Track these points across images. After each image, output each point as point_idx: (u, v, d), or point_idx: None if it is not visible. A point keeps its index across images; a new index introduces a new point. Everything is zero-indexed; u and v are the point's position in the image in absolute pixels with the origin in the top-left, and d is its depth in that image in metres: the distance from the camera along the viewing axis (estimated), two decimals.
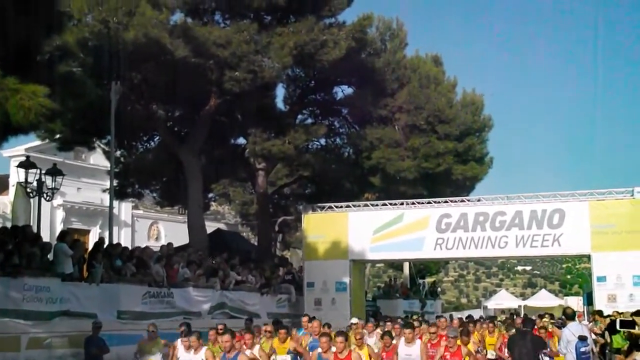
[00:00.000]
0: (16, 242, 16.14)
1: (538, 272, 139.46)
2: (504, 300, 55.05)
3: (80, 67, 21.64)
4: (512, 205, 24.38)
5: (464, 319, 20.58)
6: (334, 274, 25.41)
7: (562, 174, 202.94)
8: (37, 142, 33.76)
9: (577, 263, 68.24)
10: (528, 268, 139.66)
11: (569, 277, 76.04)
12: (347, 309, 24.67)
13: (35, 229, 19.83)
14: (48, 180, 21.69)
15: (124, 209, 44.06)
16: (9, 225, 22.72)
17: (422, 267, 42.80)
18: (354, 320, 18.52)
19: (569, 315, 13.82)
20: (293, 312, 25.69)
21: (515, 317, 24.90)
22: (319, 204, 26.88)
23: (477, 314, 39.38)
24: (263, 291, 24.70)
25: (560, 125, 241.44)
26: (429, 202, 25.58)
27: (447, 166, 30.56)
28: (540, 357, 12.94)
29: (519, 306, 51.21)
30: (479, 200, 25.87)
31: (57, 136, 26.11)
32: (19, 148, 34.55)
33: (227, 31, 23.95)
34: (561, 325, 16.42)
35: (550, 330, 17.10)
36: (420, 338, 14.09)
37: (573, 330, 13.22)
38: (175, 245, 28.08)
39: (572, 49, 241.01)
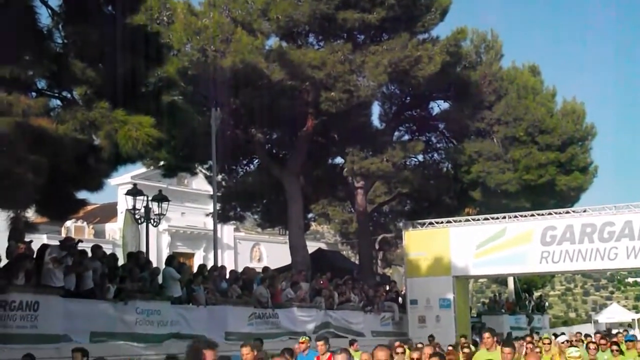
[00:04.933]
0: (128, 267, 16.72)
1: None
2: (616, 313, 52.98)
3: (181, 96, 22.33)
4: (621, 215, 23.50)
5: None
6: (437, 290, 25.08)
7: None
8: (142, 170, 34.98)
9: None
10: None
11: None
12: (452, 326, 24.31)
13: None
14: (154, 207, 22.36)
15: (226, 232, 44.97)
16: (118, 250, 23.57)
17: (530, 282, 41.82)
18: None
19: None
20: (397, 330, 25.51)
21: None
22: (419, 221, 26.67)
23: (587, 328, 38.14)
24: (367, 310, 24.63)
25: None
26: (532, 215, 24.99)
27: (550, 177, 29.87)
28: None
29: (633, 320, 49.18)
30: (584, 211, 25.04)
31: (162, 163, 27.00)
32: (125, 176, 35.80)
33: (321, 52, 24.20)
34: None
35: None
36: None
37: None
38: (278, 265, 28.48)
39: None
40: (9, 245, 14.45)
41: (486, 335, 11.29)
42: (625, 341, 16.77)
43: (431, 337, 20.51)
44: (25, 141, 11.43)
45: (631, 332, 25.27)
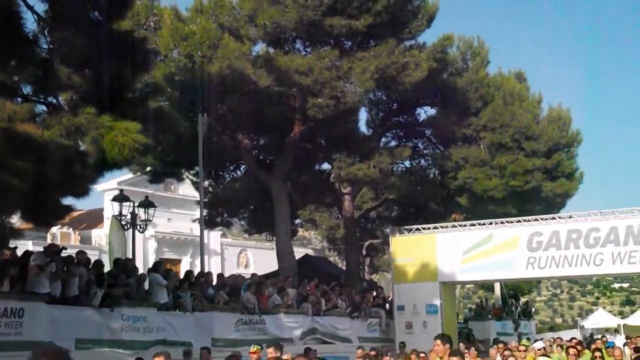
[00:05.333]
0: (114, 274, 16.64)
1: (636, 289, 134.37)
2: (601, 319, 53.13)
3: (168, 102, 22.29)
4: (607, 221, 23.62)
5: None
6: (424, 296, 25.12)
7: None
8: (129, 176, 34.88)
9: None
10: (625, 285, 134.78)
11: None
12: (439, 332, 24.15)
13: None
14: (141, 212, 22.28)
15: (213, 238, 44.86)
16: (104, 257, 23.45)
17: (516, 288, 41.93)
18: None
19: None
20: (384, 336, 25.52)
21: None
22: (406, 227, 26.70)
23: (573, 334, 38.23)
24: (353, 316, 24.63)
25: None
26: (518, 221, 25.09)
27: (536, 183, 30.00)
28: None
29: (619, 325, 49.34)
30: (570, 217, 25.19)
31: (148, 169, 26.93)
32: (111, 182, 35.68)
33: (308, 59, 24.23)
34: None
35: None
36: None
37: None
38: (265, 272, 28.43)
39: None
40: None
41: (437, 342, 10.48)
42: (606, 347, 16.80)
43: (402, 344, 20.49)
44: (11, 147, 11.36)
45: (611, 338, 25.27)
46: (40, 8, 12.51)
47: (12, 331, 13.08)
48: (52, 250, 15.23)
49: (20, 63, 12.41)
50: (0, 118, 11.42)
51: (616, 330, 46.10)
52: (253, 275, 23.63)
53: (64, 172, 13.33)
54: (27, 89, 13.79)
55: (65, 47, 12.66)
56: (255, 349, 13.08)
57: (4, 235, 14.16)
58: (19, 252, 15.04)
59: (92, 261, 17.03)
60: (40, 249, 16.20)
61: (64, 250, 15.80)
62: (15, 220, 15.38)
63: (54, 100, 13.93)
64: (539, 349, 15.32)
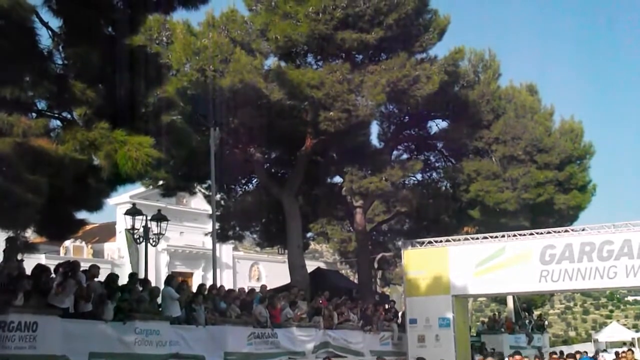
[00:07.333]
0: (129, 287, 16.68)
1: None
2: (616, 332, 52.79)
3: (180, 116, 22.41)
4: (620, 233, 23.45)
5: None
6: (437, 309, 25.00)
7: None
8: (141, 189, 34.98)
9: None
10: (639, 298, 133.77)
11: None
12: (451, 346, 24.21)
13: (142, 274, 20.49)
14: (153, 226, 22.36)
15: (225, 251, 44.80)
16: (116, 270, 23.51)
17: (529, 301, 41.74)
18: None
19: None
20: (396, 349, 25.43)
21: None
22: (418, 240, 26.63)
23: (587, 347, 37.97)
24: (366, 329, 24.56)
25: None
26: (531, 234, 24.95)
27: (549, 196, 29.96)
28: None
29: (633, 339, 49.02)
30: (583, 230, 25.05)
31: (161, 183, 27.05)
32: (123, 196, 35.80)
33: (320, 72, 24.29)
34: None
35: None
36: None
37: None
38: (277, 285, 28.43)
39: None
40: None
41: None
42: None
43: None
44: (25, 161, 11.46)
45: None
46: (55, 24, 12.63)
47: (26, 345, 13.12)
48: (74, 267, 15.30)
49: (34, 78, 12.50)
50: (15, 133, 11.52)
51: (631, 344, 45.79)
52: (262, 287, 23.64)
53: (77, 186, 13.44)
54: (41, 104, 13.91)
55: (80, 62, 12.74)
56: None
57: (15, 249, 14.27)
58: (32, 264, 15.09)
59: (108, 274, 17.09)
60: (53, 262, 16.26)
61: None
62: (29, 234, 15.48)
63: (68, 115, 14.01)
64: None
